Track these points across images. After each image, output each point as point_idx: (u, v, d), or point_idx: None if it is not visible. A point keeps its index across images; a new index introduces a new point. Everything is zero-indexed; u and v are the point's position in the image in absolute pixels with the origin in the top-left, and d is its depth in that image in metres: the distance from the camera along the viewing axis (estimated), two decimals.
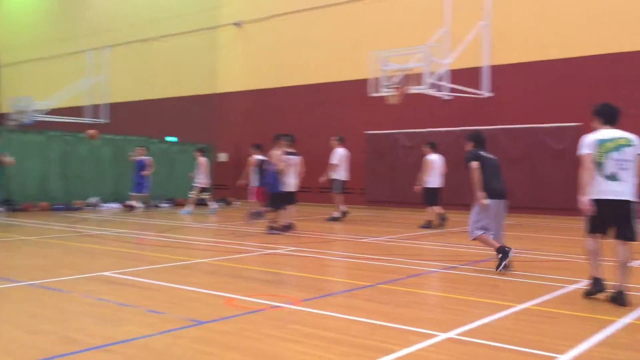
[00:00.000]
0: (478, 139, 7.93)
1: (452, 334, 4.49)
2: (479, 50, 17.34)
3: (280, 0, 21.91)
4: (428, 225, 13.10)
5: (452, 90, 16.84)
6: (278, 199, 11.86)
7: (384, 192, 19.08)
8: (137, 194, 17.55)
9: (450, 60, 16.50)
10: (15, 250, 9.22)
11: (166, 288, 6.19)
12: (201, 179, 17.16)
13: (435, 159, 13.24)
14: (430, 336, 4.42)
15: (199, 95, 24.36)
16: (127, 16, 27.02)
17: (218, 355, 3.96)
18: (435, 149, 13.42)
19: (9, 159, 14.98)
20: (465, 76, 17.26)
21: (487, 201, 7.35)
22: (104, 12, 28.07)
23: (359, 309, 5.34)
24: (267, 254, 8.89)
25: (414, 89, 15.18)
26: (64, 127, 21.06)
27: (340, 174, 14.76)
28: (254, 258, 8.49)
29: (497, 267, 7.15)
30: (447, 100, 17.85)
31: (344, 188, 14.91)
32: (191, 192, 17.46)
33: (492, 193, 7.42)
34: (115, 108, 25.44)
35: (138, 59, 26.57)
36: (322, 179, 15.12)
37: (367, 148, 19.39)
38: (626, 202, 5.53)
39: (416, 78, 15.07)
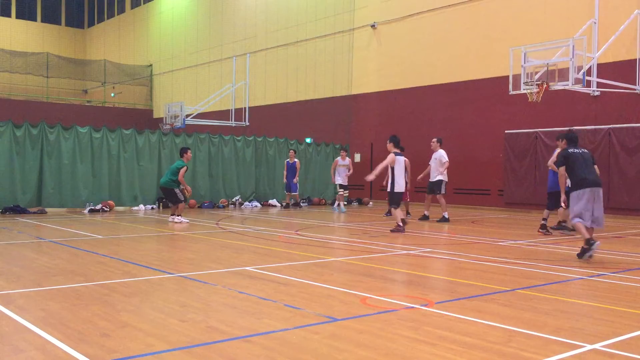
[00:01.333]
0: (570, 138, 8.85)
1: (598, 345, 4.21)
2: (632, 41, 16.02)
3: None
4: (560, 227, 12.39)
5: (601, 85, 15.72)
6: (395, 198, 12.16)
7: (524, 194, 18.25)
8: (291, 193, 18.72)
9: (599, 54, 15.42)
10: (168, 244, 10.00)
11: (303, 284, 6.40)
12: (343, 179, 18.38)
13: None
14: (574, 347, 4.18)
15: (334, 97, 24.85)
16: (267, 24, 28.25)
17: (351, 352, 4.03)
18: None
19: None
20: (617, 70, 16.04)
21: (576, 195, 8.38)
22: (245, 21, 29.55)
23: (495, 314, 5.17)
24: (401, 254, 8.88)
25: (557, 85, 14.37)
26: (212, 129, 22.50)
27: (444, 175, 14.47)
28: (388, 258, 8.52)
29: (578, 255, 8.26)
30: (595, 96, 16.74)
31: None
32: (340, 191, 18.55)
33: (585, 183, 8.28)
34: (255, 111, 26.70)
35: (276, 64, 27.68)
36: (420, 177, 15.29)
37: (505, 148, 18.66)
38: None
39: (560, 74, 14.26)
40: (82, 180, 16.87)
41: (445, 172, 14.48)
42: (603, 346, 4.20)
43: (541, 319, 5.04)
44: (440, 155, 14.54)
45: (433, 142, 14.91)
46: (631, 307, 5.48)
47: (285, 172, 18.89)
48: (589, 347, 4.18)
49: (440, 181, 14.49)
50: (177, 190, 13.83)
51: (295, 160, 18.79)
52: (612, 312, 5.28)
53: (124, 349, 4.04)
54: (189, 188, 14.22)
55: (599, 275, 7.24)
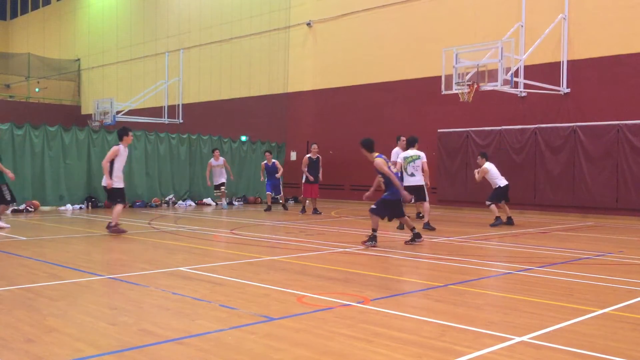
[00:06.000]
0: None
1: (526, 337, 4.36)
2: (556, 44, 16.74)
3: None
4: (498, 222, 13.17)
5: (528, 86, 16.34)
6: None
7: (456, 192, 18.75)
8: (276, 195, 18.17)
9: (526, 56, 16.02)
10: (97, 245, 9.67)
11: (239, 284, 6.32)
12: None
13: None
14: (504, 339, 4.31)
15: (270, 95, 24.75)
16: (201, 19, 27.80)
17: (287, 351, 4.00)
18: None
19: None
20: (542, 72, 16.72)
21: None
22: (179, 16, 28.98)
23: (429, 309, 5.27)
24: (337, 252, 8.92)
25: (487, 86, 14.83)
26: (144, 127, 21.93)
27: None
28: (324, 256, 8.54)
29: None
30: (522, 97, 17.38)
31: None
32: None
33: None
34: (189, 108, 26.24)
35: (211, 60, 27.29)
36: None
37: (438, 146, 19.10)
38: None
39: (490, 74, 14.72)
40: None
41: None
42: (531, 338, 4.35)
43: (473, 313, 5.18)
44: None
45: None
46: (556, 299, 5.71)
47: (263, 174, 18.18)
48: (517, 339, 4.32)
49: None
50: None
51: (274, 160, 18.04)
52: (539, 305, 5.48)
53: (50, 355, 3.86)
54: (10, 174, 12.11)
55: (526, 269, 7.51)
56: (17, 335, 4.30)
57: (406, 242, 9.86)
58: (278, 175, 17.71)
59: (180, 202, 19.45)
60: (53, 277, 6.61)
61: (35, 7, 40.40)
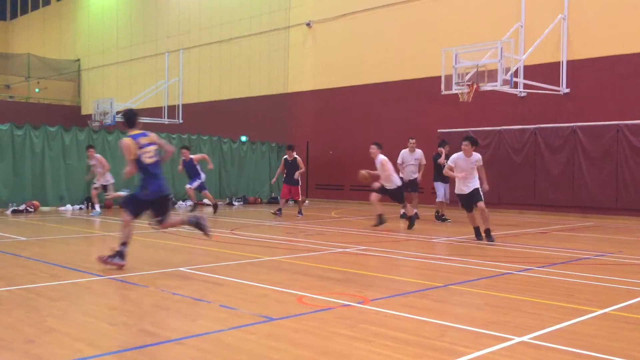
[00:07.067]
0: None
1: (526, 338, 4.36)
2: (556, 44, 16.74)
3: None
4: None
5: (528, 86, 16.35)
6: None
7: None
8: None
9: (526, 56, 16.02)
10: (97, 246, 9.67)
11: (238, 284, 6.32)
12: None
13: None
14: (504, 339, 4.31)
15: (270, 95, 24.74)
16: (200, 20, 27.80)
17: (287, 352, 4.00)
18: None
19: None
20: (542, 72, 16.72)
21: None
22: (179, 16, 28.97)
23: (429, 309, 5.27)
24: (337, 252, 8.93)
25: (486, 86, 14.84)
26: (144, 127, 21.88)
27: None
28: (324, 256, 8.54)
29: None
30: (522, 97, 17.39)
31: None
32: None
33: None
34: (189, 108, 26.23)
35: (210, 60, 27.29)
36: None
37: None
38: None
39: (489, 75, 14.72)
40: (2, 179, 16.07)
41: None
42: (531, 338, 4.35)
43: (472, 313, 5.18)
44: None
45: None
46: (556, 299, 5.71)
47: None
48: (517, 339, 4.32)
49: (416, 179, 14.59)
50: None
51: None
52: (538, 305, 5.48)
53: (50, 355, 3.86)
54: None
55: (526, 269, 7.51)
56: (17, 336, 4.30)
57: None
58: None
59: (180, 202, 19.44)
60: (53, 278, 6.61)
61: (35, 7, 40.39)
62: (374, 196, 12.54)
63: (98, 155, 15.78)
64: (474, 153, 10.36)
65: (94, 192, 15.76)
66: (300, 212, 15.87)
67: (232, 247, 9.34)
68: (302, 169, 15.86)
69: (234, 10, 26.31)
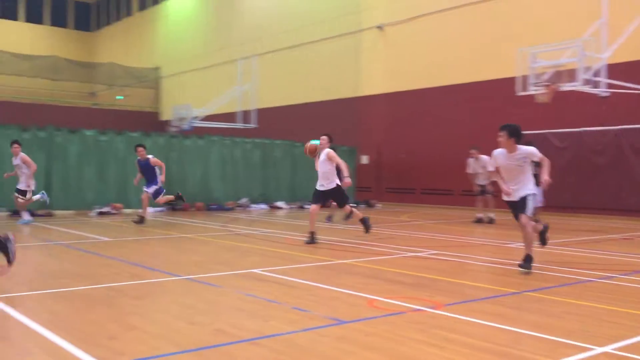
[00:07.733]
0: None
1: (608, 348, 4.17)
2: None
3: (421, 0, 21.71)
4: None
5: (610, 86, 15.63)
6: None
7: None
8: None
9: (608, 54, 15.32)
10: (176, 247, 10.02)
11: (310, 287, 6.39)
12: None
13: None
14: (584, 349, 4.14)
15: (342, 99, 24.82)
16: (273, 25, 28.26)
17: (358, 355, 4.01)
18: None
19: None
20: (626, 70, 15.93)
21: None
22: (252, 23, 29.58)
23: (504, 316, 5.14)
24: (408, 256, 8.85)
25: (566, 86, 14.31)
26: (220, 132, 22.51)
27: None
28: (395, 260, 8.49)
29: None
30: (603, 97, 16.64)
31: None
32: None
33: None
34: (263, 113, 26.70)
35: (283, 65, 27.67)
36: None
37: None
38: None
39: (569, 74, 14.19)
40: (88, 182, 16.92)
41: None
42: (614, 349, 4.17)
43: (550, 321, 5.01)
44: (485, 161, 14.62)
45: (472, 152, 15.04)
46: (639, 309, 5.43)
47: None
48: (599, 350, 4.14)
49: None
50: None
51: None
52: (621, 315, 5.23)
53: (131, 351, 4.04)
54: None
55: (608, 277, 7.18)
56: (101, 331, 4.52)
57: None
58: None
59: (253, 205, 19.82)
60: (134, 277, 6.91)
61: (118, 18, 42.38)
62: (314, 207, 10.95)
63: (23, 154, 13.32)
64: (521, 147, 7.55)
65: (21, 200, 13.27)
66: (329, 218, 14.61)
67: (303, 250, 9.43)
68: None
69: (304, 15, 26.59)
